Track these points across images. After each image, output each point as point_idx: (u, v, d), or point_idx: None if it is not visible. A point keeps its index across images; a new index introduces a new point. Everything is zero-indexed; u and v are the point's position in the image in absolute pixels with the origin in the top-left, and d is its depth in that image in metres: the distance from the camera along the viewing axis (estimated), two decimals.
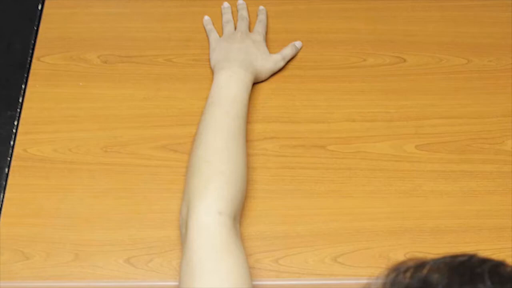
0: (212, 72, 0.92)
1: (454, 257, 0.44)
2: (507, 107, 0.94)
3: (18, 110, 0.92)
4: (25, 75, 0.95)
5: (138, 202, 0.85)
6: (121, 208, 0.85)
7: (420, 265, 0.43)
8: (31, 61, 0.96)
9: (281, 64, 0.96)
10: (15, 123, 0.91)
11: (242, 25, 0.98)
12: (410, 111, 0.94)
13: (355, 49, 0.99)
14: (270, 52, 0.96)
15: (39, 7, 1.01)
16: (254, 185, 0.87)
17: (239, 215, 0.81)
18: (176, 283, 0.78)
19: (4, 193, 0.85)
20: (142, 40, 0.99)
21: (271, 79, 0.96)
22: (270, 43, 0.98)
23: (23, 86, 0.94)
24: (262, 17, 1.00)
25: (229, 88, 0.88)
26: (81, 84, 0.95)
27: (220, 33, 0.99)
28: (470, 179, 0.88)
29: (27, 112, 0.92)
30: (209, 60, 0.96)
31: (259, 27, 0.98)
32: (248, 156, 0.85)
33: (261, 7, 1.02)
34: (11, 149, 0.89)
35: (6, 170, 0.87)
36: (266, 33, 0.99)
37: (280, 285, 0.81)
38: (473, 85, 0.96)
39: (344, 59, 0.98)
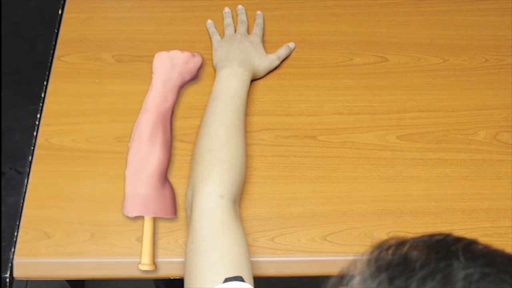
0: (215, 70, 0.92)
1: (431, 236, 0.44)
2: (479, 101, 0.94)
3: (41, 104, 0.91)
4: (47, 73, 0.94)
5: None
6: None
7: (401, 243, 0.43)
8: (52, 60, 0.95)
9: (276, 63, 0.95)
10: (38, 116, 0.90)
11: (241, 28, 0.97)
12: (392, 105, 0.93)
13: (342, 49, 0.98)
14: (266, 52, 0.95)
15: (60, 12, 1.00)
16: (252, 171, 0.86)
17: (239, 198, 0.80)
18: (182, 259, 0.78)
19: (28, 178, 0.85)
20: (152, 41, 0.98)
21: (267, 77, 0.95)
22: (266, 44, 0.98)
23: (45, 83, 0.93)
24: (259, 20, 0.99)
25: (229, 85, 0.87)
26: (97, 81, 0.94)
27: (222, 35, 0.98)
28: (445, 166, 0.88)
29: (49, 106, 0.91)
30: (211, 59, 0.95)
31: (257, 30, 0.97)
32: (246, 145, 0.85)
33: (258, 12, 1.01)
34: (34, 139, 0.88)
35: (30, 158, 0.86)
36: (263, 35, 0.98)
37: (275, 261, 0.80)
38: (448, 82, 0.95)
39: (333, 58, 0.97)
